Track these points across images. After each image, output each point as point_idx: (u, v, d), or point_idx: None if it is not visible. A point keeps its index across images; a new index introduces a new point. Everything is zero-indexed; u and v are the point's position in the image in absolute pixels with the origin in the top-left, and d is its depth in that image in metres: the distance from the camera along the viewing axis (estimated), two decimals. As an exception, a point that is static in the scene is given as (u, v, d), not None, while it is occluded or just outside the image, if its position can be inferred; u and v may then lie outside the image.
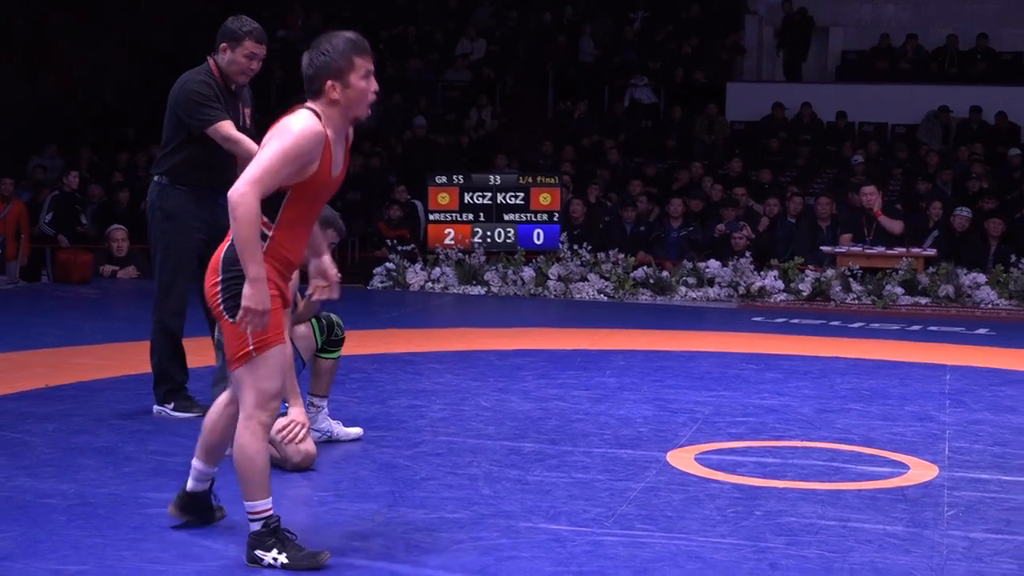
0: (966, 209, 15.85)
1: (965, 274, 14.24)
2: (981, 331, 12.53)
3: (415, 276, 15.15)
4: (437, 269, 15.18)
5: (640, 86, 22.48)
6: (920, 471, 6.56)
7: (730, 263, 14.70)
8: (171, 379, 7.49)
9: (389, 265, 15.32)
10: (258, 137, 7.02)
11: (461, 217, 15.66)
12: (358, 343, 10.54)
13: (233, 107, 7.36)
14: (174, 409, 7.42)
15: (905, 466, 6.67)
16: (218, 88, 7.28)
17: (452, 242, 15.53)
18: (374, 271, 15.39)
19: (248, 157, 6.91)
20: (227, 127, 7.17)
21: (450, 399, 8.25)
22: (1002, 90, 21.45)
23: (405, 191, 17.89)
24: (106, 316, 12.36)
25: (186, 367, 7.58)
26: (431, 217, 15.81)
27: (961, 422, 7.90)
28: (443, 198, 15.70)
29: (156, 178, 7.49)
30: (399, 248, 15.54)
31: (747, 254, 14.90)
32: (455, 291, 14.95)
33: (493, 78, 23.10)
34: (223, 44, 7.28)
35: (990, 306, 13.99)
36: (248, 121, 7.46)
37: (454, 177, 15.86)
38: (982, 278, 14.22)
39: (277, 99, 22.82)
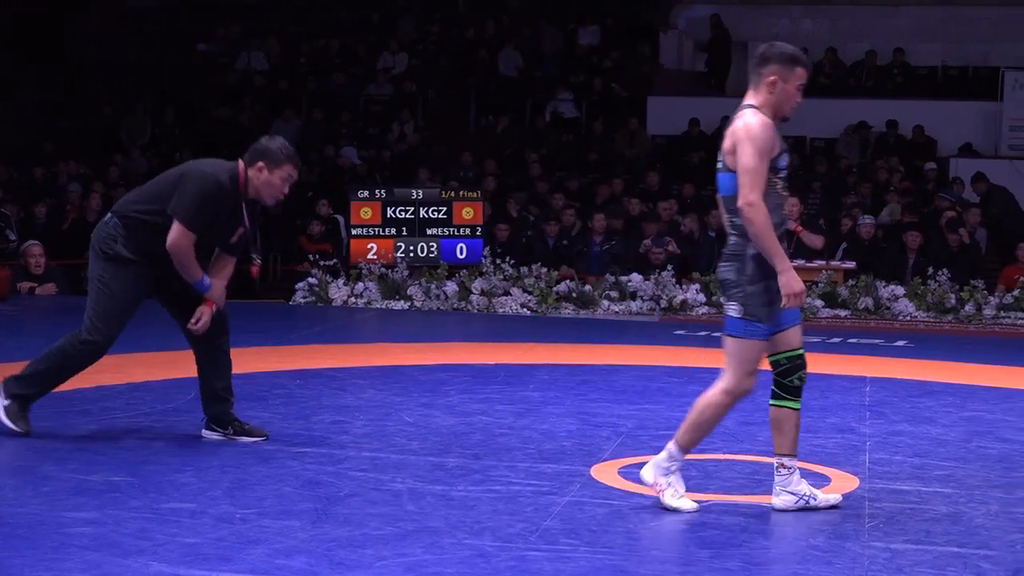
0: (870, 217, 16.07)
1: (884, 287, 14.39)
2: (900, 343, 12.66)
3: (338, 291, 15.09)
4: (360, 284, 15.14)
5: (563, 100, 22.57)
6: (841, 482, 6.62)
7: (652, 277, 14.77)
8: (37, 387, 7.28)
9: (311, 280, 15.25)
10: (242, 252, 7.07)
11: (383, 232, 15.62)
12: (280, 359, 10.49)
13: (232, 221, 7.13)
14: (6, 411, 7.22)
15: (826, 478, 6.72)
16: (231, 199, 7.05)
17: (375, 257, 15.48)
18: (296, 286, 15.31)
19: (184, 276, 6.91)
20: (186, 240, 7.00)
21: (374, 415, 8.22)
22: (919, 104, 21.73)
23: (327, 206, 17.82)
24: (24, 333, 12.20)
25: (54, 387, 7.38)
26: (353, 232, 15.76)
27: (881, 433, 7.98)
28: (365, 212, 15.66)
29: (114, 219, 7.17)
30: (321, 263, 15.47)
31: (669, 267, 14.97)
32: (378, 306, 14.91)
33: (415, 92, 23.09)
34: (260, 163, 7.03)
35: (908, 318, 14.14)
36: (237, 238, 7.22)
37: (376, 191, 15.82)
38: (900, 290, 14.37)
39: (200, 110, 22.75)
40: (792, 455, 6.03)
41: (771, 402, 6.12)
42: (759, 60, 6.02)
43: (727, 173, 5.93)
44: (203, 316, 7.07)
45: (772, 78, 5.96)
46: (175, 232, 6.94)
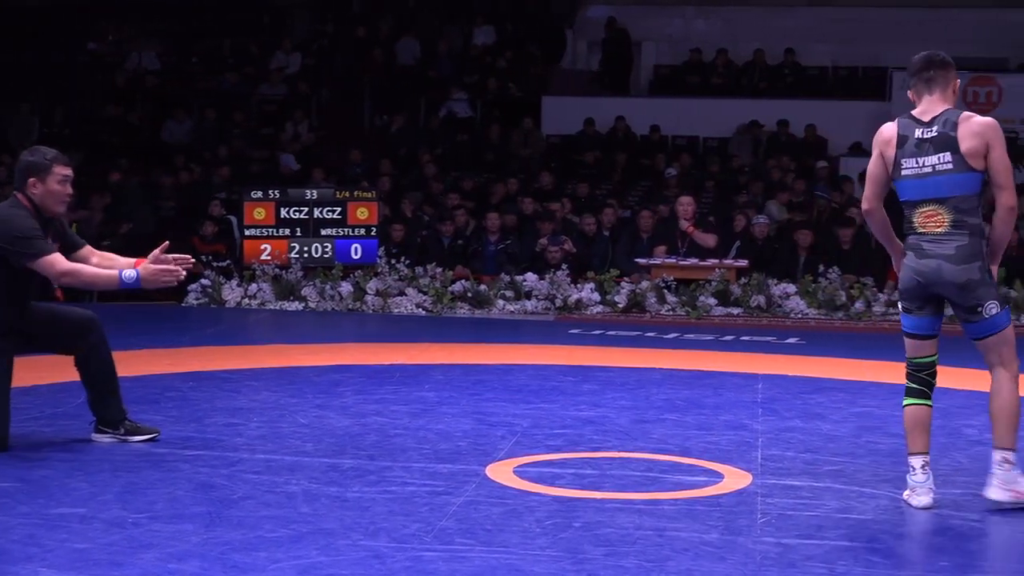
0: (764, 216, 16.23)
1: (775, 285, 14.54)
2: (791, 340, 12.80)
3: (231, 292, 14.98)
4: (253, 285, 15.03)
5: (457, 100, 22.57)
6: (734, 479, 6.68)
7: (547, 276, 14.81)
8: None
9: (204, 282, 15.11)
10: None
11: (277, 232, 15.53)
12: (172, 361, 10.39)
13: (52, 238, 7.08)
14: None
15: (720, 475, 6.78)
16: (40, 221, 6.98)
17: (269, 257, 15.38)
18: (188, 288, 15.16)
19: (101, 288, 6.82)
20: (59, 263, 6.89)
21: (268, 416, 8.16)
22: (810, 103, 22.00)
23: (220, 206, 17.67)
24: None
25: None
26: (247, 232, 15.64)
27: (773, 430, 8.06)
28: (259, 213, 15.55)
29: None
30: (214, 264, 15.33)
31: (564, 267, 15.02)
32: (272, 307, 14.81)
33: (309, 92, 22.97)
34: (31, 179, 6.92)
35: (800, 316, 14.30)
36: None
37: (270, 192, 15.72)
38: (792, 288, 14.53)
39: (90, 111, 22.46)
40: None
41: (921, 402, 6.29)
42: (944, 65, 6.25)
43: (966, 173, 6.06)
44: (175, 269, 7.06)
45: (956, 82, 6.28)
46: (44, 267, 6.87)
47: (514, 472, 6.72)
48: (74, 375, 7.31)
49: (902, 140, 6.20)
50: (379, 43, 24.02)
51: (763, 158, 20.92)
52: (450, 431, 7.79)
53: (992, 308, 6.12)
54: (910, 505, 6.15)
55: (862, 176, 18.67)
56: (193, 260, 7.34)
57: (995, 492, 6.12)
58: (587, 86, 23.69)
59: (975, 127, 6.08)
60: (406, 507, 5.95)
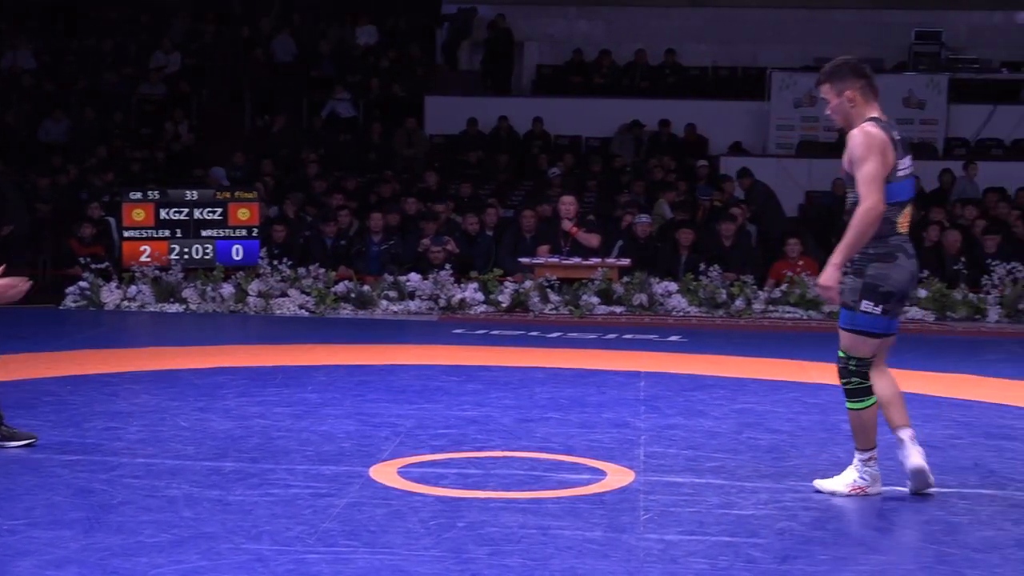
0: (646, 216, 16.36)
1: (657, 283, 14.66)
2: (673, 338, 12.91)
3: (110, 294, 14.78)
4: (133, 287, 14.85)
5: (340, 99, 22.47)
6: (617, 477, 6.72)
7: (430, 276, 14.79)
8: None
9: (83, 284, 14.90)
10: None
11: (157, 234, 15.35)
12: (49, 365, 10.23)
13: None
14: None
15: (603, 472, 6.82)
16: None
17: (148, 259, 15.19)
18: (66, 290, 14.93)
19: None
20: None
21: (148, 420, 8.06)
22: (690, 103, 22.21)
23: (99, 208, 17.42)
24: None
25: None
26: (126, 234, 15.44)
27: (656, 427, 8.12)
28: (138, 214, 15.36)
29: None
30: (93, 266, 15.11)
31: (447, 267, 15.01)
32: (152, 309, 14.64)
33: (189, 92, 22.73)
34: None
35: (681, 313, 14.42)
36: None
37: (149, 193, 15.54)
38: (673, 286, 14.65)
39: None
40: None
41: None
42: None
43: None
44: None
45: None
46: None
47: (398, 473, 6.70)
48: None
49: (894, 142, 6.32)
50: (260, 43, 23.84)
51: (645, 158, 21.06)
52: (333, 432, 7.75)
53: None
54: (869, 495, 6.39)
55: (739, 173, 19.00)
56: (31, 281, 7.24)
57: (917, 458, 6.39)
58: (470, 86, 23.70)
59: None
60: (289, 509, 5.91)
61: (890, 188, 6.26)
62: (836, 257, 6.25)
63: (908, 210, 6.37)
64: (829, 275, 6.27)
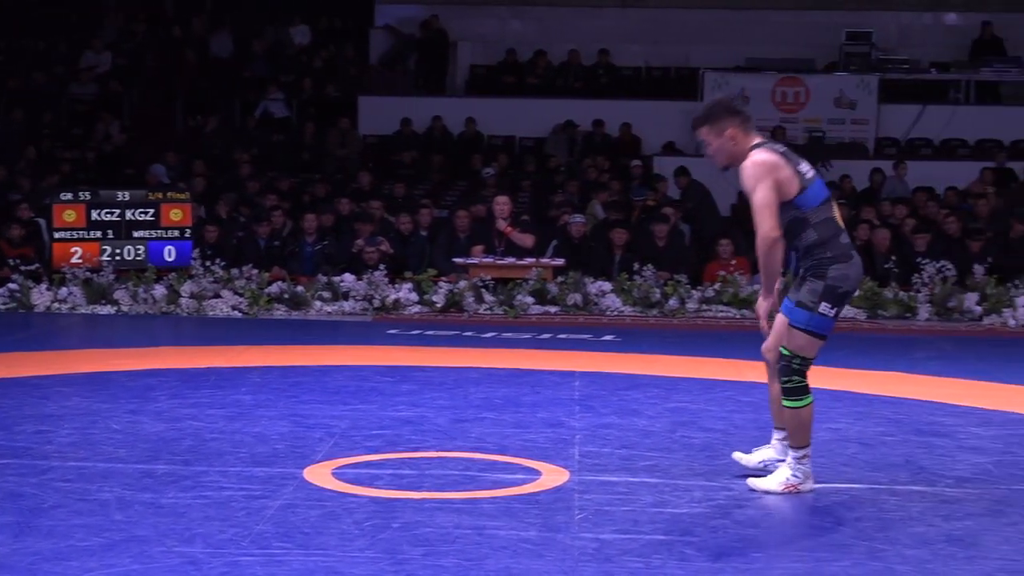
0: (580, 216, 16.40)
1: (592, 283, 14.69)
2: (607, 337, 12.94)
3: (40, 296, 14.63)
4: (64, 289, 14.70)
5: (273, 99, 22.37)
6: (552, 476, 6.73)
7: (364, 277, 14.75)
8: None
9: (12, 286, 14.74)
10: None
11: (89, 235, 15.21)
12: (-21, 368, 10.12)
13: None
14: None
15: (538, 472, 6.83)
16: None
17: (79, 261, 15.05)
18: (-4, 292, 14.78)
19: None
20: None
21: (79, 423, 8.00)
22: (623, 103, 22.30)
23: (28, 209, 17.24)
24: None
25: None
26: (56, 235, 15.28)
27: (590, 427, 8.14)
28: (69, 215, 15.22)
29: None
30: (22, 268, 14.94)
31: (381, 267, 14.97)
32: (83, 311, 14.51)
33: (121, 92, 22.55)
34: None
35: (615, 313, 14.46)
36: None
37: (80, 193, 15.39)
38: (608, 286, 14.68)
39: None
40: None
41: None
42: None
43: None
44: None
45: None
46: None
47: (332, 474, 6.69)
48: None
49: (784, 155, 6.40)
50: (192, 43, 23.69)
51: (579, 157, 21.11)
52: (267, 434, 7.72)
53: None
54: (802, 492, 6.44)
55: (676, 172, 19.09)
56: None
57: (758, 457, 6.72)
58: (404, 86, 23.65)
59: None
60: (222, 512, 5.88)
61: (806, 194, 6.36)
62: (762, 288, 6.42)
63: (835, 205, 6.46)
64: (759, 303, 6.49)
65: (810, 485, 6.47)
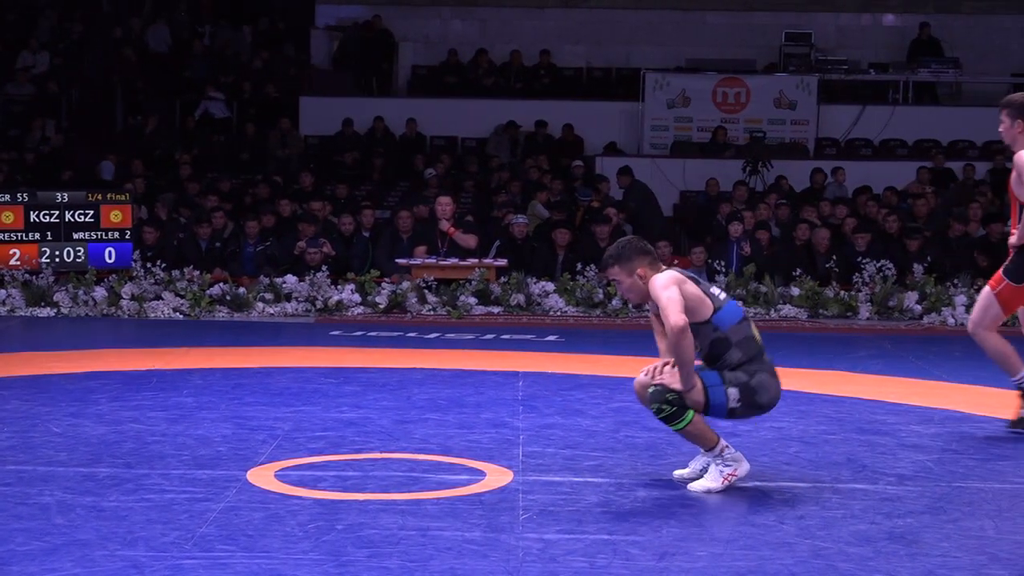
0: (522, 216, 16.42)
1: (535, 283, 14.70)
2: (551, 338, 12.95)
3: (-21, 299, 14.49)
4: (2, 291, 14.56)
5: (214, 100, 22.26)
6: (496, 477, 6.73)
7: (307, 278, 14.69)
8: None
9: (-50, 288, 14.60)
10: None
11: (27, 236, 15.07)
12: (-83, 371, 10.01)
13: None
14: None
15: (482, 472, 6.83)
16: None
17: (18, 263, 14.92)
18: (-67, 295, 14.61)
19: None
20: None
21: (18, 426, 7.92)
22: (565, 104, 22.38)
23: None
24: None
25: None
26: (-6, 237, 15.15)
27: (534, 427, 8.15)
28: (7, 217, 15.07)
29: None
30: (-41, 270, 14.79)
31: (324, 268, 14.92)
32: (22, 314, 14.37)
33: (58, 92, 22.37)
34: None
35: (559, 313, 14.48)
36: None
37: (18, 195, 15.26)
38: (551, 286, 14.70)
39: None
40: None
41: None
42: None
43: None
44: None
45: None
46: None
47: (275, 476, 6.66)
48: None
49: (692, 279, 6.54)
50: (131, 42, 23.54)
51: (521, 158, 21.14)
52: (209, 436, 7.68)
53: None
54: (740, 476, 6.52)
55: (619, 171, 19.15)
56: None
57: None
58: (345, 86, 23.60)
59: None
60: (165, 515, 5.85)
61: (721, 314, 6.47)
62: (683, 383, 6.40)
63: (753, 325, 6.61)
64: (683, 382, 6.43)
65: (745, 466, 6.53)
